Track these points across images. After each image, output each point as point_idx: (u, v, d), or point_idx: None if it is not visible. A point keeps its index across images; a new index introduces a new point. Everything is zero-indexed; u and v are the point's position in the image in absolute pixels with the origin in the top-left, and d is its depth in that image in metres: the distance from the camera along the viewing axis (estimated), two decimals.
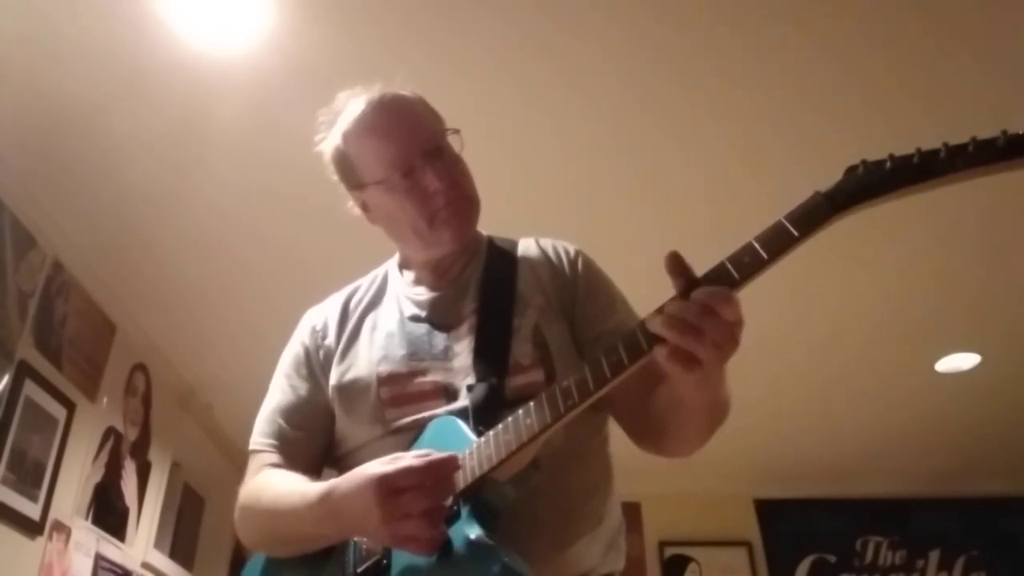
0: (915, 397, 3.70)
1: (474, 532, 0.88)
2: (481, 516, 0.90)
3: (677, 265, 0.80)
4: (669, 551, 4.35)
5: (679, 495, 4.22)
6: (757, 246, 0.77)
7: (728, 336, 0.77)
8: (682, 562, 4.34)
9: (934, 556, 4.36)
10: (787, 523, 4.43)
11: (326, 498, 0.95)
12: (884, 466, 4.32)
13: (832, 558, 4.38)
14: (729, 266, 0.78)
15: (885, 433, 3.99)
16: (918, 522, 4.42)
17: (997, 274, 2.90)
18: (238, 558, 3.86)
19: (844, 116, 2.23)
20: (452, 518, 0.90)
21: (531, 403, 0.90)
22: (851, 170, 0.77)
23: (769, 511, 4.47)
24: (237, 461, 3.88)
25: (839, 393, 3.66)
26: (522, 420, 0.89)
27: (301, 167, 2.20)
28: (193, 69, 2.04)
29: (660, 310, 0.80)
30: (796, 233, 0.76)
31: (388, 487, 0.87)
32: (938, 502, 4.44)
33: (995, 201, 2.50)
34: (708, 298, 0.76)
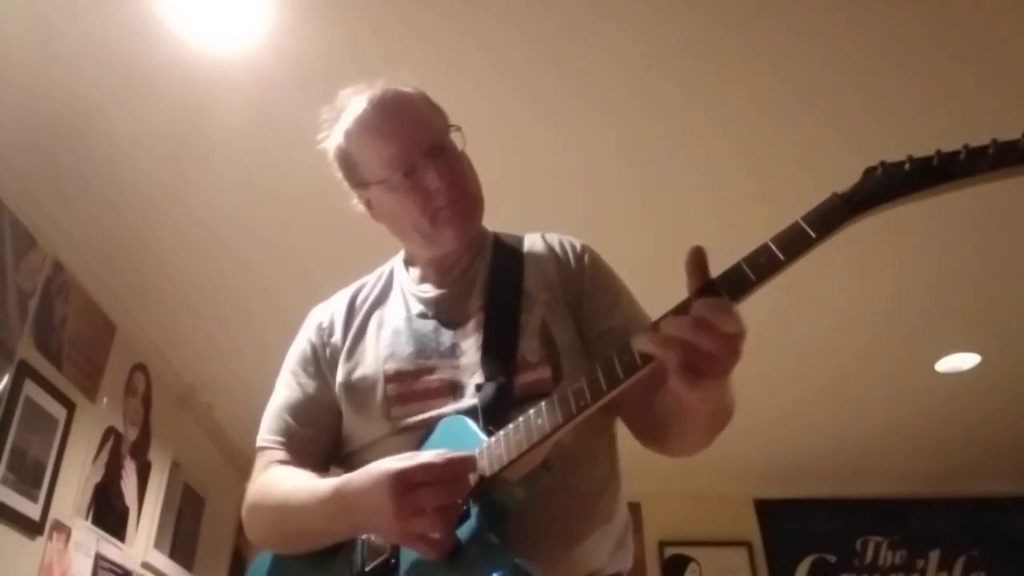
0: (915, 397, 3.70)
1: (483, 532, 0.88)
2: (490, 516, 0.89)
3: (698, 263, 0.79)
4: (669, 551, 4.35)
5: (679, 495, 4.22)
6: (774, 247, 0.76)
7: (728, 350, 0.75)
8: (682, 562, 4.34)
9: (934, 556, 4.36)
10: (787, 523, 4.43)
11: (338, 493, 0.95)
12: (884, 466, 4.32)
13: (832, 558, 4.38)
14: (745, 267, 0.77)
15: (885, 433, 3.99)
16: (918, 522, 4.42)
17: (997, 274, 2.90)
18: (238, 558, 3.86)
19: (845, 118, 2.23)
20: (462, 518, 0.90)
21: (542, 403, 0.89)
22: (869, 171, 0.75)
23: (769, 511, 4.47)
24: (237, 461, 3.90)
25: (839, 393, 3.66)
26: (533, 420, 0.88)
27: (301, 167, 2.22)
28: (193, 69, 2.04)
29: (675, 311, 0.78)
30: (814, 235, 0.74)
31: (404, 482, 0.86)
32: (938, 502, 4.44)
33: (995, 201, 2.50)
34: (707, 312, 0.75)
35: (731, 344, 0.75)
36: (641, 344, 0.79)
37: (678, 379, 0.76)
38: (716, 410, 0.89)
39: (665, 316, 0.79)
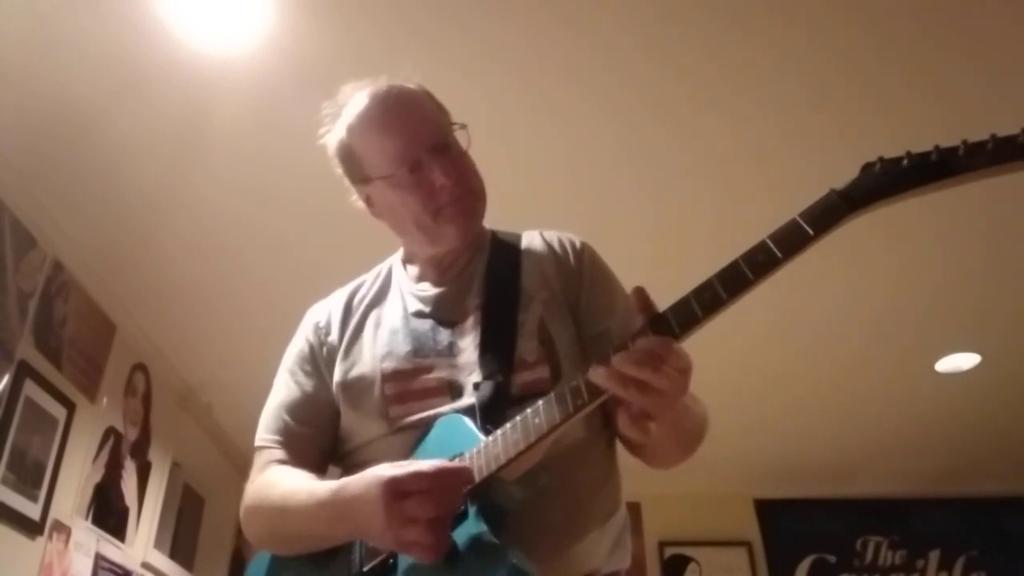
0: (915, 397, 3.69)
1: (481, 532, 0.87)
2: (488, 516, 0.89)
3: (643, 302, 0.82)
4: (669, 551, 4.35)
5: (679, 495, 4.21)
6: (771, 245, 0.76)
7: (672, 384, 0.78)
8: (682, 562, 4.34)
9: (934, 556, 4.36)
10: (787, 523, 4.44)
11: (335, 498, 0.94)
12: (884, 466, 4.32)
13: (832, 558, 4.38)
14: (743, 265, 0.77)
15: (885, 433, 3.99)
16: (918, 522, 4.42)
17: (997, 274, 2.89)
18: (238, 558, 3.86)
19: (846, 116, 2.23)
20: (459, 518, 0.89)
21: (539, 402, 0.88)
22: (867, 167, 0.75)
23: (769, 511, 4.47)
24: (237, 461, 3.90)
25: (839, 393, 3.66)
26: (530, 419, 0.88)
27: (301, 167, 2.22)
28: (193, 69, 2.04)
29: (618, 348, 0.81)
30: (811, 232, 0.75)
31: (395, 490, 0.86)
32: (938, 502, 4.44)
33: (995, 200, 2.50)
34: (654, 346, 0.78)
35: (676, 379, 0.78)
36: (595, 377, 0.81)
37: (630, 429, 0.80)
38: (679, 431, 0.91)
39: (614, 350, 0.81)
